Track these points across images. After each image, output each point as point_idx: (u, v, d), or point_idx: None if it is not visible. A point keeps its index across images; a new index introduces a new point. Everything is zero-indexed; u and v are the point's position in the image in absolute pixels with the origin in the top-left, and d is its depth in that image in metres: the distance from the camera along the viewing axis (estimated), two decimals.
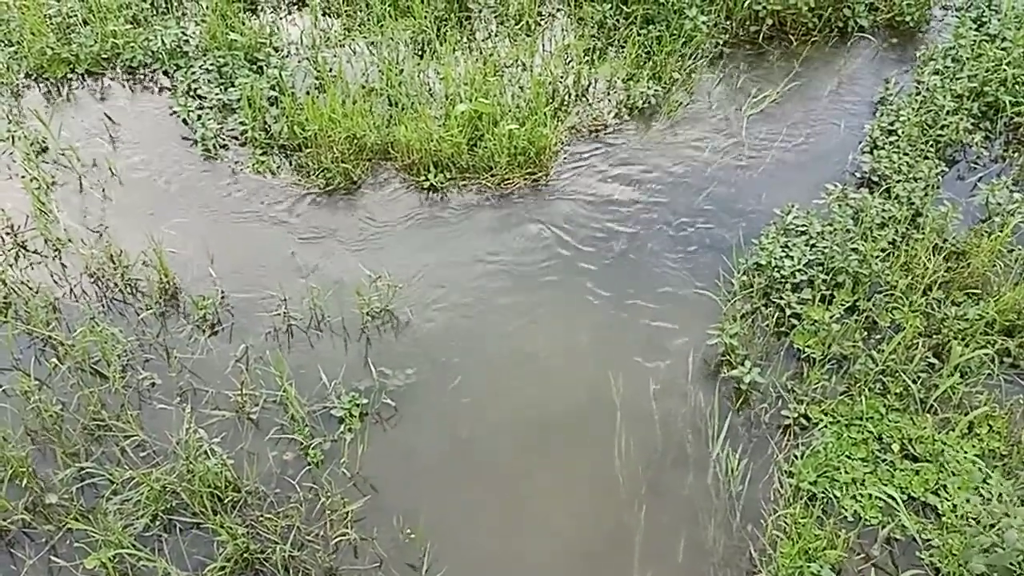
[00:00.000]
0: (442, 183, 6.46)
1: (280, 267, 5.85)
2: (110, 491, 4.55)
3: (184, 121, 6.98)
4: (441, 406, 5.12)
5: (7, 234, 6.04)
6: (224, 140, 6.84)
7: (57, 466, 4.65)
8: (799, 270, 5.59)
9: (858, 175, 6.51)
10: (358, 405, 5.00)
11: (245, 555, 4.31)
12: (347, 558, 4.42)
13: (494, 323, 5.57)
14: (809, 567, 4.15)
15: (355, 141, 6.58)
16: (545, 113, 6.68)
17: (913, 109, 6.77)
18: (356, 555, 4.43)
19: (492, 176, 6.51)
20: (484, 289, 5.77)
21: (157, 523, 4.47)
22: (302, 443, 4.83)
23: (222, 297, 5.64)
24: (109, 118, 7.04)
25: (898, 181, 6.19)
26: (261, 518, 4.48)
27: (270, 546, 4.35)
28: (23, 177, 6.40)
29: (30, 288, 5.61)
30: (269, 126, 6.81)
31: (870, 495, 4.57)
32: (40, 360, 5.25)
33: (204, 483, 4.48)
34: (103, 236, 6.02)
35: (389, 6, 7.73)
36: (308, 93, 6.89)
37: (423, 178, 6.46)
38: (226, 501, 4.54)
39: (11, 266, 5.81)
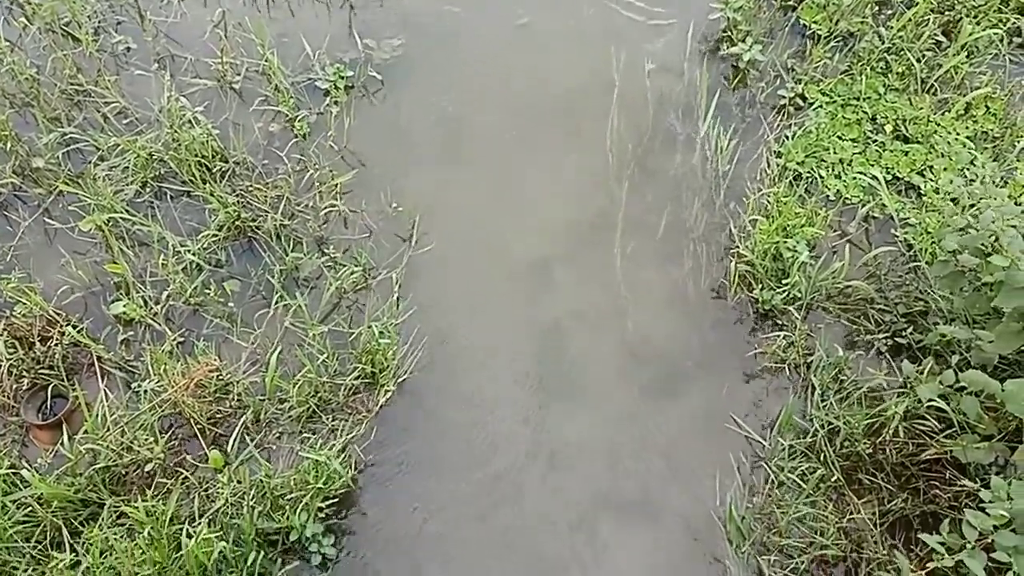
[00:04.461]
0: None
1: None
2: (96, 157, 4.54)
3: None
4: (431, 79, 4.96)
5: None
6: None
7: (40, 131, 4.59)
8: None
9: None
10: (343, 77, 4.85)
11: (237, 223, 4.39)
12: (337, 228, 4.51)
13: None
14: (785, 243, 4.25)
15: None
16: None
17: None
18: (346, 226, 4.52)
19: None
20: None
21: (147, 190, 4.50)
22: (287, 115, 4.75)
23: None
24: None
25: None
26: (251, 188, 4.51)
27: (261, 215, 4.43)
28: None
29: None
30: None
31: (855, 175, 4.59)
32: (8, 20, 5.00)
33: (191, 152, 4.45)
34: None
35: None
36: None
37: None
38: (214, 171, 4.54)
39: None
